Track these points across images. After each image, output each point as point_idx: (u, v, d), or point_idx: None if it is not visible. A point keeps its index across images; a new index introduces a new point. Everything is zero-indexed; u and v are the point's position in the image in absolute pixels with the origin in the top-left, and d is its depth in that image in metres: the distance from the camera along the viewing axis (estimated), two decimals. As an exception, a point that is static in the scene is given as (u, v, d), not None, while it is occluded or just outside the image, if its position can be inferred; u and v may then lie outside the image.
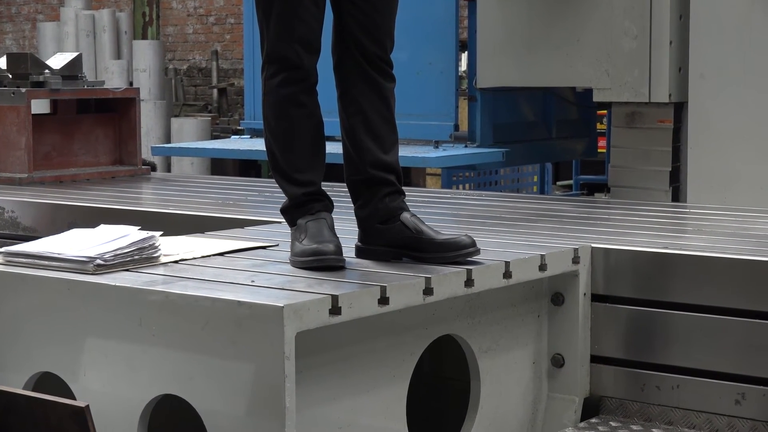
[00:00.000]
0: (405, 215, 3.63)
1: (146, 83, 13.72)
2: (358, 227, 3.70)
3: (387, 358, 3.51)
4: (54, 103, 6.75)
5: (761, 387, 3.72)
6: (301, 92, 3.60)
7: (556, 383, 4.02)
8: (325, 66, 3.66)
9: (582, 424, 3.94)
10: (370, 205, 3.65)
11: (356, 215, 3.70)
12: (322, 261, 3.47)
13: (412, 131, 7.58)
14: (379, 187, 3.64)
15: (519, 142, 7.83)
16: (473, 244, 3.61)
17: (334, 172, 5.53)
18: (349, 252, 3.63)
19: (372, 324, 3.39)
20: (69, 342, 3.37)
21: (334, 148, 6.18)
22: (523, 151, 7.93)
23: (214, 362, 3.10)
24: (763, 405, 3.71)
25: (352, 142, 3.66)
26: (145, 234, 3.61)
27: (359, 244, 3.70)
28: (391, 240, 3.63)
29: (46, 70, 6.52)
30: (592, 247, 4.00)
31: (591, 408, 4.02)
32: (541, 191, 9.53)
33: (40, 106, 6.86)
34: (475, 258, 3.62)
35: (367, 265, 3.58)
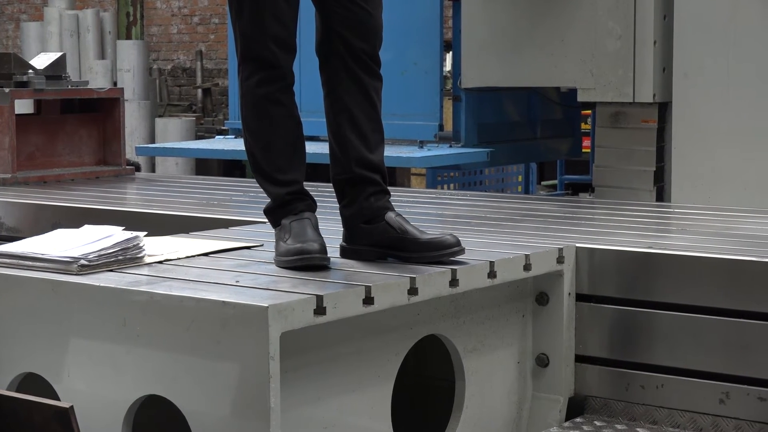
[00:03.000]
0: (390, 215, 3.63)
1: (130, 83, 13.69)
2: (343, 227, 3.70)
3: (372, 358, 3.51)
4: (38, 103, 6.73)
5: (745, 386, 3.72)
6: (278, 92, 3.60)
7: (541, 383, 4.03)
8: (314, 66, 3.66)
9: (567, 424, 3.95)
10: (355, 204, 3.65)
11: (341, 214, 3.70)
12: (306, 260, 3.47)
13: (396, 131, 7.58)
14: (364, 186, 3.64)
15: (503, 142, 7.84)
16: (458, 243, 3.62)
17: (318, 172, 5.54)
18: (333, 252, 3.62)
19: (357, 324, 3.39)
20: (53, 342, 3.36)
21: (317, 148, 6.17)
22: (507, 151, 7.94)
23: (199, 363, 3.10)
24: (747, 404, 3.72)
25: (337, 140, 3.66)
26: (129, 234, 3.61)
27: (344, 244, 3.70)
28: (376, 240, 3.63)
29: (30, 70, 6.50)
30: (577, 247, 4.01)
31: (576, 407, 4.03)
32: (526, 191, 9.53)
33: (23, 106, 6.85)
34: (459, 258, 3.62)
35: (352, 265, 3.57)
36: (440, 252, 3.59)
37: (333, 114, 3.66)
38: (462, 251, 3.62)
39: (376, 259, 3.63)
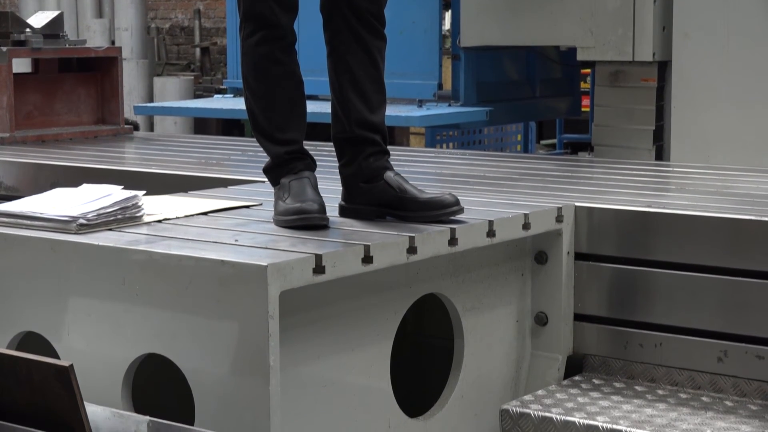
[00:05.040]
0: (389, 174, 3.63)
1: (128, 42, 13.64)
2: (342, 186, 3.70)
3: (371, 316, 3.52)
4: (35, 63, 6.72)
5: (743, 344, 3.74)
6: (278, 50, 3.59)
7: (540, 341, 4.04)
8: (314, 25, 3.64)
9: (565, 382, 3.96)
10: (355, 164, 3.65)
11: (340, 173, 3.70)
12: (305, 220, 3.47)
13: (395, 90, 7.56)
14: (364, 146, 3.64)
15: (503, 101, 7.82)
16: (457, 202, 3.62)
17: (317, 131, 5.53)
18: (332, 211, 3.62)
19: (356, 283, 3.39)
20: (52, 301, 3.37)
21: (317, 107, 6.14)
22: (506, 110, 7.92)
23: (198, 321, 3.11)
24: (745, 362, 3.73)
25: (339, 100, 3.66)
26: (128, 193, 3.60)
27: (342, 203, 3.70)
28: (375, 199, 3.63)
29: (28, 29, 6.48)
30: (576, 206, 4.01)
31: (574, 366, 4.04)
32: (525, 150, 9.52)
33: (21, 65, 6.83)
34: (458, 217, 3.62)
35: (351, 224, 3.58)
36: (439, 211, 3.59)
37: (335, 74, 3.65)
38: (461, 210, 3.62)
39: (375, 219, 3.63)
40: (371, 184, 3.64)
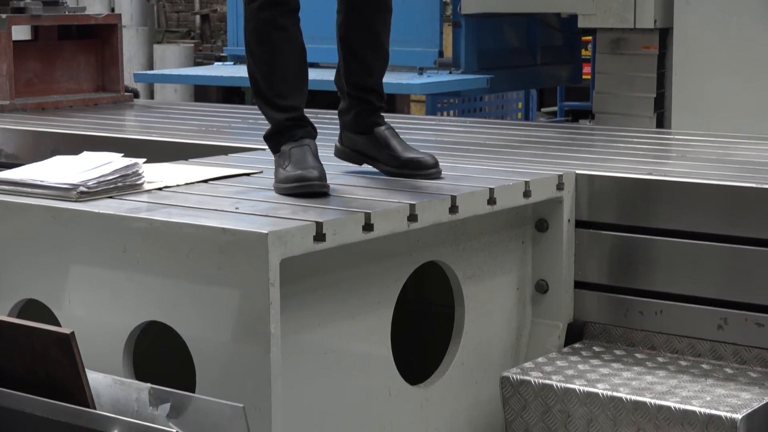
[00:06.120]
0: (378, 129, 3.81)
1: (128, 9, 13.60)
2: (340, 126, 3.90)
3: (371, 284, 3.52)
4: (35, 30, 6.70)
5: (743, 312, 3.74)
6: (281, 16, 3.60)
7: (540, 309, 4.04)
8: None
9: (566, 349, 3.97)
10: (350, 113, 3.84)
11: (339, 115, 3.90)
12: (306, 187, 3.48)
13: (396, 57, 7.48)
14: (358, 102, 3.82)
15: (503, 69, 7.81)
16: (435, 165, 3.79)
17: (317, 99, 5.51)
18: (333, 178, 3.62)
19: (356, 250, 3.39)
20: (53, 269, 3.37)
21: (318, 75, 6.13)
22: (507, 77, 7.91)
23: (199, 289, 3.11)
24: (745, 329, 3.74)
25: (342, 61, 3.80)
26: (128, 161, 3.60)
27: (337, 144, 3.92)
28: (361, 148, 3.85)
29: (27, -4, 6.47)
30: (577, 174, 4.00)
31: (575, 333, 4.05)
32: (526, 118, 9.52)
33: (21, 32, 6.81)
34: (459, 184, 3.64)
35: (352, 192, 3.58)
36: (414, 172, 3.78)
37: (341, 43, 3.79)
38: (438, 173, 3.78)
39: (361, 164, 3.87)
40: (362, 135, 3.83)
